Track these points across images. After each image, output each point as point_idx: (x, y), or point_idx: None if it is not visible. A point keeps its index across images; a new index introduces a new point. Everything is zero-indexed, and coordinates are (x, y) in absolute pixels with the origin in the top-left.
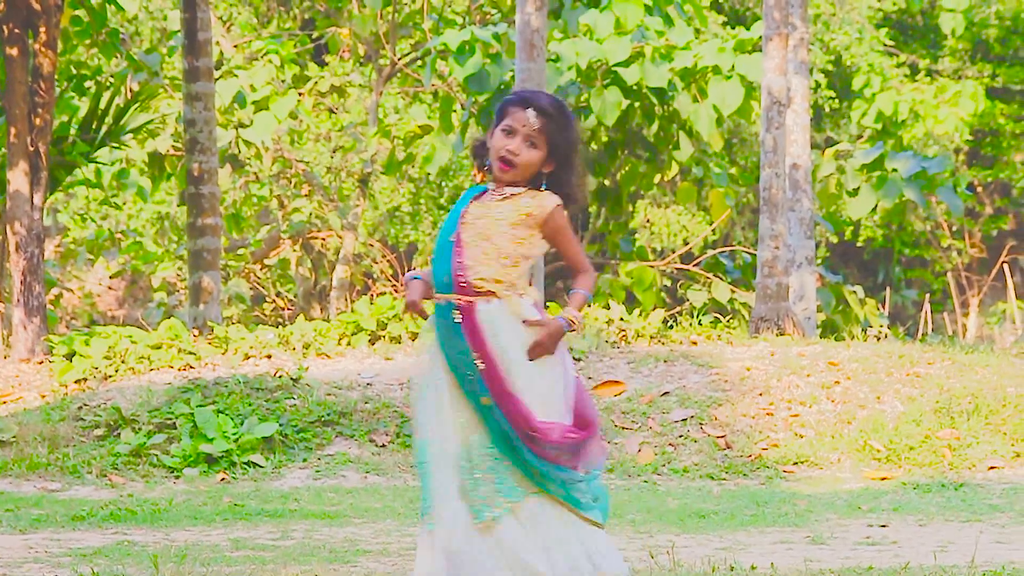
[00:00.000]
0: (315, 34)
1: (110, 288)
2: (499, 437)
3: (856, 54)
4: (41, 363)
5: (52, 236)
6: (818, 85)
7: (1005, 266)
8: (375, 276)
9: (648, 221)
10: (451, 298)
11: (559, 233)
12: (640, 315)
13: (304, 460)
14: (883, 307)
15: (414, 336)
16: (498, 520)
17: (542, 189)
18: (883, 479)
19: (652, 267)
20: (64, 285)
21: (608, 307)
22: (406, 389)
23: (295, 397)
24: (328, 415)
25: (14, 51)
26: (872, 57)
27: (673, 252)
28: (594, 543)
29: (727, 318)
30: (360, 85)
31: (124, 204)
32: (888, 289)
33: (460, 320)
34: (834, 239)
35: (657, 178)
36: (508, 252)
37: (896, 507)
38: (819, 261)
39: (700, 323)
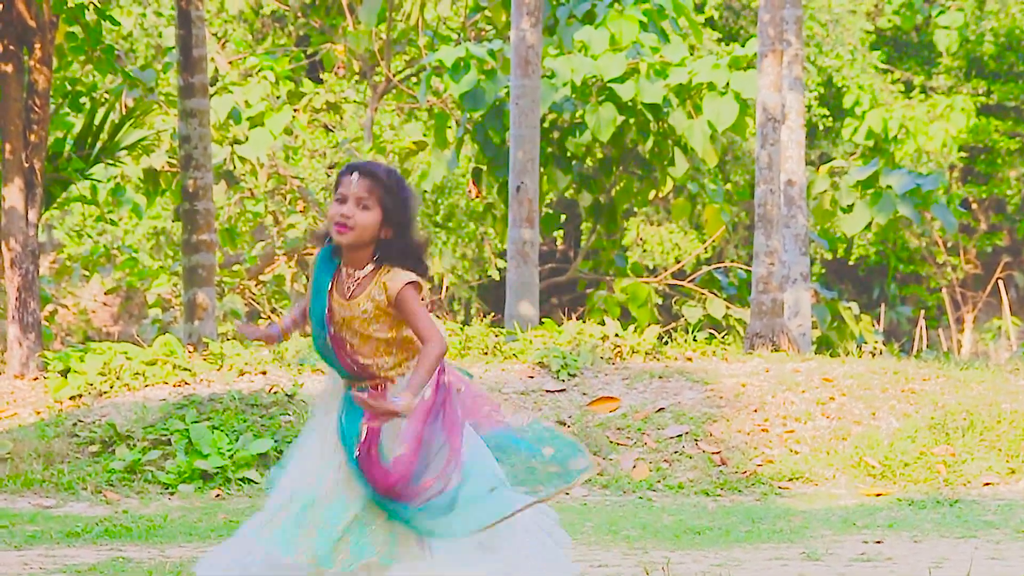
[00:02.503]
0: (310, 50)
1: (105, 304)
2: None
3: (847, 76)
4: (36, 379)
5: (47, 252)
6: (811, 104)
7: (1000, 282)
8: None
9: (641, 239)
10: (362, 385)
11: (407, 313)
12: (635, 331)
13: None
14: (878, 323)
15: None
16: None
17: (374, 258)
18: (878, 495)
19: (647, 283)
20: (59, 301)
21: (603, 323)
22: None
23: (290, 413)
24: None
25: (9, 68)
26: (864, 79)
27: (666, 270)
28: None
29: (722, 334)
30: (355, 101)
31: (120, 220)
32: (883, 305)
33: (365, 410)
34: (828, 256)
35: (652, 194)
36: (388, 339)
37: (891, 523)
38: (814, 278)
39: (695, 339)
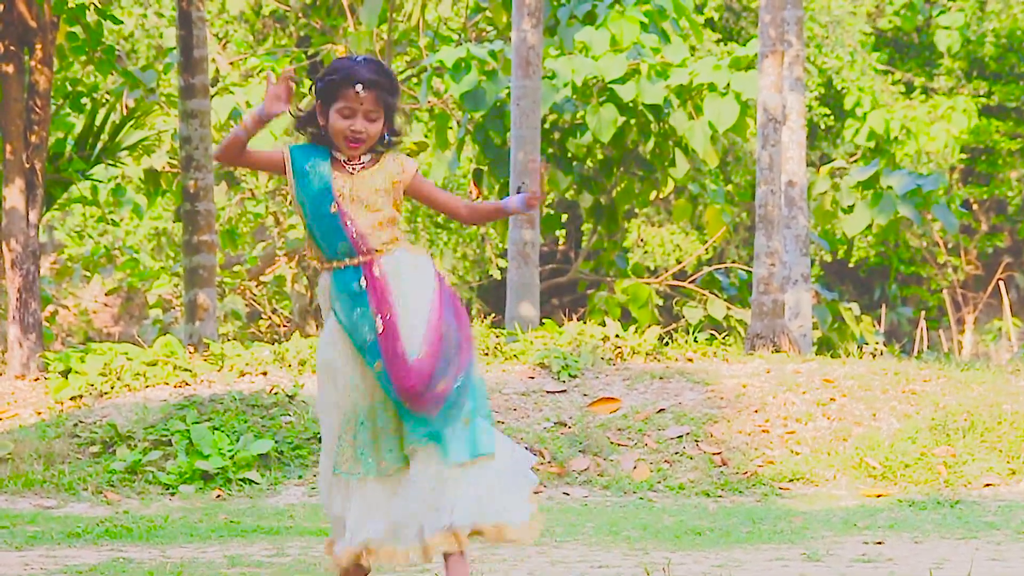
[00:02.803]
0: (311, 51)
1: (106, 305)
2: (389, 402)
3: (847, 78)
4: (37, 380)
5: (48, 253)
6: (811, 107)
7: (1001, 283)
8: None
9: (641, 240)
10: (355, 262)
11: (429, 190)
12: (636, 332)
13: (300, 477)
14: (879, 324)
15: None
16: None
17: (386, 142)
18: (879, 496)
19: (648, 284)
20: (60, 302)
21: (604, 324)
22: None
23: (291, 414)
24: None
25: (10, 68)
26: (864, 80)
27: (666, 271)
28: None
29: (723, 335)
30: None
31: (121, 221)
32: (884, 306)
33: (365, 284)
34: (828, 257)
35: (653, 195)
36: (392, 216)
37: (892, 524)
38: (814, 279)
39: (696, 340)
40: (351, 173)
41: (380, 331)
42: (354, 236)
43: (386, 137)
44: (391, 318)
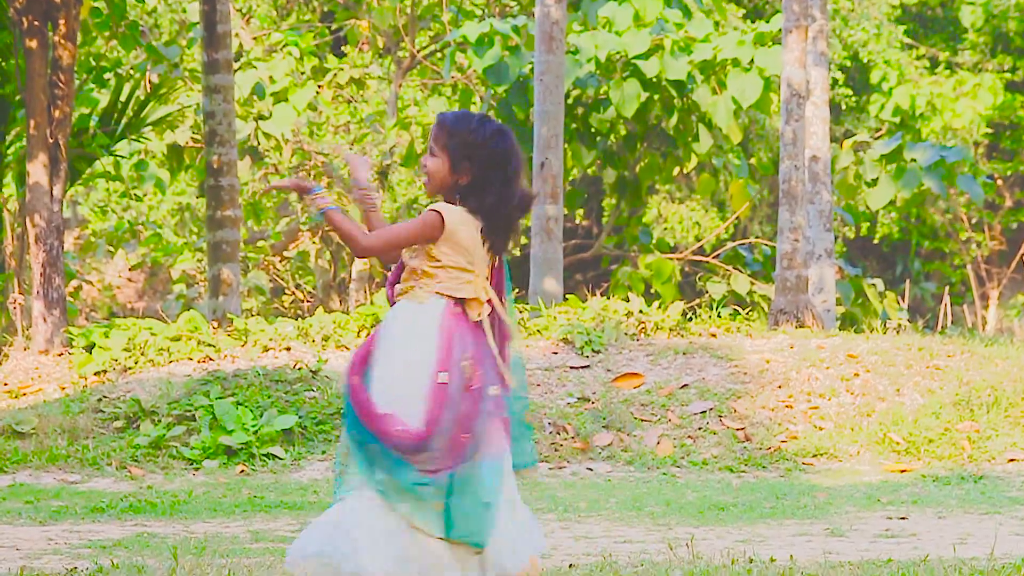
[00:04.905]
0: (334, 26)
1: (130, 280)
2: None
3: (874, 51)
4: (61, 355)
5: (72, 228)
6: (835, 82)
7: None
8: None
9: (662, 217)
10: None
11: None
12: (659, 308)
13: (323, 452)
14: (902, 300)
15: None
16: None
17: (456, 200)
18: (902, 471)
19: (671, 259)
20: (84, 277)
21: (627, 299)
22: None
23: (314, 389)
24: None
25: (33, 43)
26: (890, 53)
27: (686, 248)
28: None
29: (746, 310)
30: (379, 77)
31: (144, 196)
32: (907, 282)
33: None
34: (851, 233)
35: (676, 171)
36: (419, 268)
37: (915, 499)
38: (838, 254)
39: (719, 315)
40: None
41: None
42: (389, 281)
43: (459, 196)
44: (355, 371)
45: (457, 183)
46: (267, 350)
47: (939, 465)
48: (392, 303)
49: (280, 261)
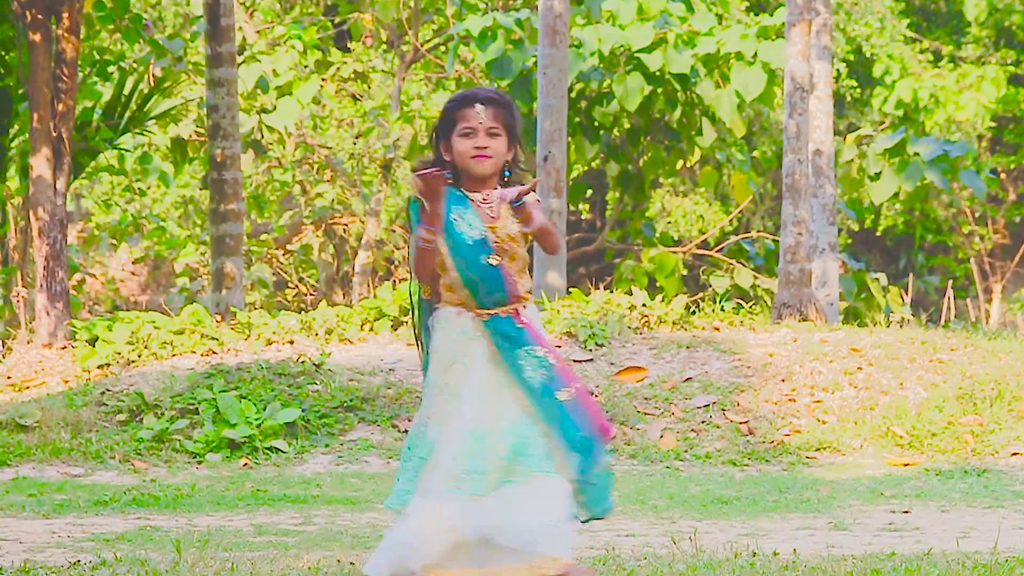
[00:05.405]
0: (338, 20)
1: (133, 274)
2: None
3: (877, 44)
4: (64, 348)
5: (75, 221)
6: (839, 74)
7: None
8: (397, 262)
9: (665, 210)
10: (508, 311)
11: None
12: (663, 301)
13: (327, 446)
14: (905, 294)
15: None
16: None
17: (507, 178)
18: (905, 465)
19: (675, 253)
20: (87, 270)
21: (631, 293)
22: None
23: (317, 383)
24: (350, 401)
25: (37, 37)
26: (893, 47)
27: (689, 242)
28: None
29: (749, 304)
30: (383, 71)
31: (148, 189)
32: (910, 276)
33: (523, 325)
34: (855, 227)
35: (679, 164)
36: (526, 260)
37: (918, 493)
38: (841, 248)
39: (722, 309)
40: (494, 217)
41: (556, 365)
42: (510, 285)
43: (507, 173)
44: (558, 355)
45: (505, 161)
46: (270, 343)
47: (942, 459)
48: (514, 301)
49: (283, 254)
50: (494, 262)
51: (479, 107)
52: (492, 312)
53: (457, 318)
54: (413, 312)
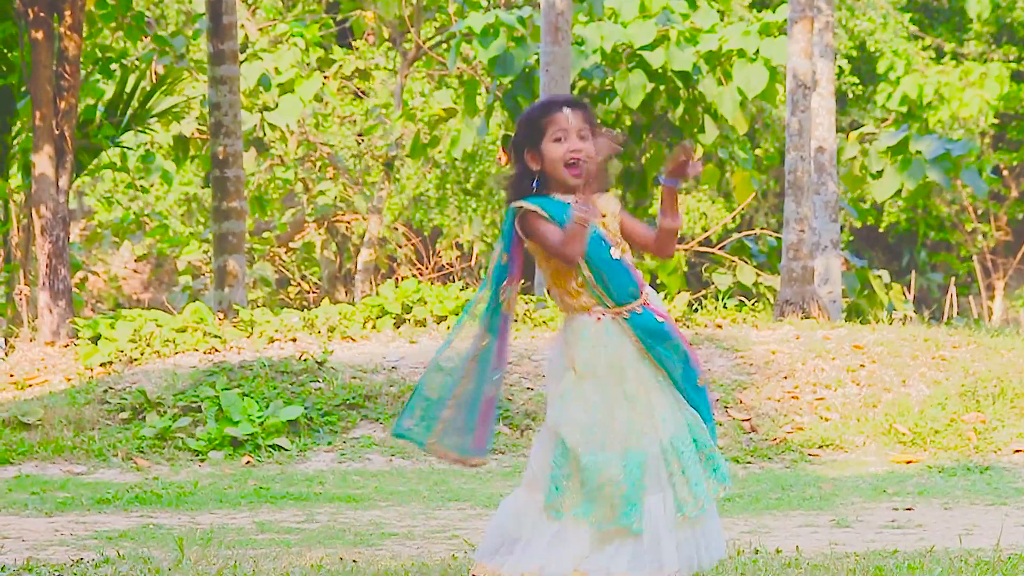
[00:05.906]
0: (340, 17)
1: (135, 271)
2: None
3: (880, 40)
4: (67, 346)
5: (78, 219)
6: (841, 71)
7: None
8: (400, 260)
9: None
10: (643, 303)
11: (632, 221)
12: (665, 298)
13: (329, 443)
14: (908, 291)
15: (439, 320)
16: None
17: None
18: (908, 462)
19: (677, 250)
20: (90, 268)
21: None
22: None
23: (320, 380)
24: (353, 398)
25: (39, 34)
26: (896, 43)
27: (692, 239)
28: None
29: (752, 301)
30: (385, 68)
31: (150, 187)
32: (913, 273)
33: (664, 320)
34: (857, 224)
35: None
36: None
37: (921, 490)
38: (843, 245)
39: (725, 306)
40: (599, 220)
41: (688, 352)
42: (638, 278)
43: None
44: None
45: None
46: (273, 341)
47: (945, 456)
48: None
49: (286, 252)
50: (616, 255)
51: (567, 111)
52: (630, 308)
53: (596, 324)
54: (485, 316)
